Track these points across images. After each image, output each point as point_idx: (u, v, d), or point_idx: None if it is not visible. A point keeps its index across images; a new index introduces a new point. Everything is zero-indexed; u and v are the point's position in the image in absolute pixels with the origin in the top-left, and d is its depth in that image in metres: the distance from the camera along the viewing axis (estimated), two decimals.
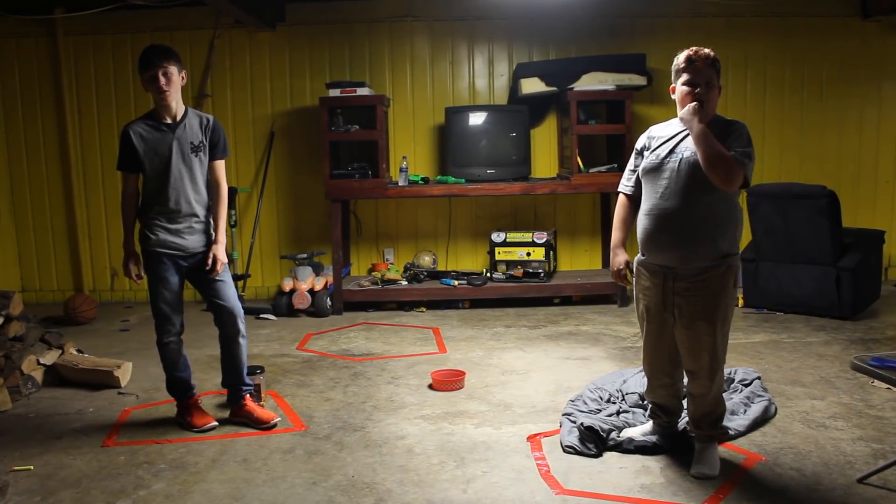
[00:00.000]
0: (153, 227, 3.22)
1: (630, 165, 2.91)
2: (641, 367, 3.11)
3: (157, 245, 3.22)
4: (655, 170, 2.72)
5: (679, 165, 2.66)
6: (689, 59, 2.65)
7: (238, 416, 3.37)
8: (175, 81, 3.16)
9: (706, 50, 2.67)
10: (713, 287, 2.67)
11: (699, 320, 2.68)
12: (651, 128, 2.88)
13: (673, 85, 2.73)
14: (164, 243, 3.21)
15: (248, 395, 3.41)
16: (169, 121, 3.20)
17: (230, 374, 3.40)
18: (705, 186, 2.62)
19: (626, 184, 2.92)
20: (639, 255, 2.86)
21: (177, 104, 3.20)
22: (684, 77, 2.66)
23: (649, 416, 3.03)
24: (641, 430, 3.01)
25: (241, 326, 3.35)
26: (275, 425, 3.31)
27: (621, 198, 2.94)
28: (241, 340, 3.36)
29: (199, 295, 3.40)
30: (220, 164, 3.35)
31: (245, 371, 3.42)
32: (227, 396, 3.45)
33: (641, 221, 2.78)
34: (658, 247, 2.72)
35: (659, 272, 2.73)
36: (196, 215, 3.26)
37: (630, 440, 2.94)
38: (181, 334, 3.35)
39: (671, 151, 2.70)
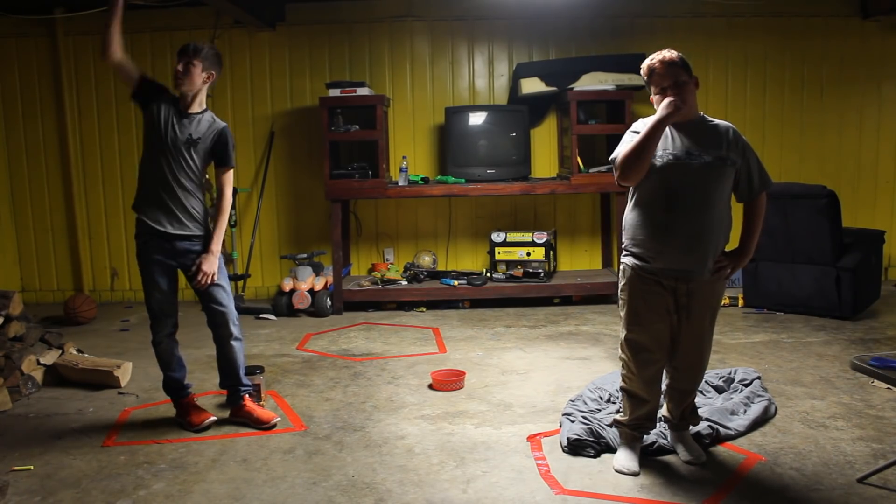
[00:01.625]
0: (141, 206, 3.24)
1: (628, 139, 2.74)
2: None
3: (144, 228, 3.22)
4: (669, 169, 2.63)
5: (698, 170, 2.61)
6: (650, 70, 2.69)
7: (238, 417, 3.37)
8: (193, 76, 3.19)
9: (668, 53, 2.67)
10: (720, 284, 2.76)
11: (706, 317, 2.74)
12: (646, 119, 2.74)
13: (651, 96, 2.74)
14: (148, 224, 3.20)
15: (247, 396, 3.40)
16: (184, 110, 3.24)
17: (226, 375, 3.40)
18: (723, 194, 2.65)
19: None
20: (632, 259, 2.74)
21: (193, 100, 3.24)
22: (654, 87, 2.70)
23: (629, 441, 2.85)
24: (626, 463, 2.80)
25: (234, 329, 3.34)
26: (275, 425, 3.31)
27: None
28: (234, 343, 3.35)
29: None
30: (225, 174, 3.31)
31: (242, 372, 3.41)
32: (227, 397, 3.45)
33: (647, 225, 2.67)
34: (672, 252, 2.64)
35: (670, 276, 2.66)
36: (181, 201, 3.21)
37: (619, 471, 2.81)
38: (174, 335, 3.35)
39: (688, 153, 2.64)
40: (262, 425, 3.30)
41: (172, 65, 3.25)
